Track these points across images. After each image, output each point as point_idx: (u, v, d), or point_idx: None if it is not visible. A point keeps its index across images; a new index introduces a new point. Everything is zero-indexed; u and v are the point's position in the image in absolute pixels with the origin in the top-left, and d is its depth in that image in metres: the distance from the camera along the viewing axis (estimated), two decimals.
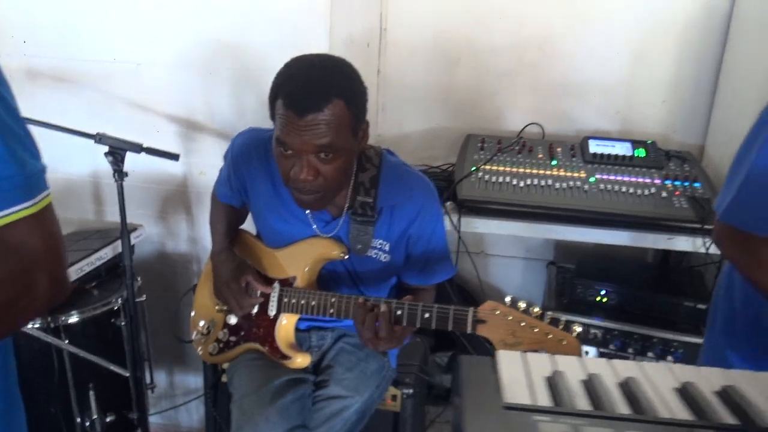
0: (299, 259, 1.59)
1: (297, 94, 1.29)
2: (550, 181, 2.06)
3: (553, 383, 0.64)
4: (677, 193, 2.00)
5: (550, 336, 1.25)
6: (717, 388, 0.67)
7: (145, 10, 2.03)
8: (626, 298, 2.06)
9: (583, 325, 2.02)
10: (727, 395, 0.65)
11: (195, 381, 2.48)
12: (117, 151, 1.76)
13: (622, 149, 2.18)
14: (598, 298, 2.08)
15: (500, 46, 2.38)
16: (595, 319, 2.03)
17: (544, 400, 0.61)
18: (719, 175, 2.10)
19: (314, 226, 1.57)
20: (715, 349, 1.32)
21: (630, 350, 1.98)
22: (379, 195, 1.51)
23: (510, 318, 1.29)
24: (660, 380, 0.68)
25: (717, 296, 1.43)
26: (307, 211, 1.54)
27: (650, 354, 1.97)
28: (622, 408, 0.60)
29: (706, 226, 1.84)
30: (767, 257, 1.12)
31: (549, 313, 1.28)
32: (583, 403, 0.60)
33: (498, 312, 1.30)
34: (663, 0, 2.26)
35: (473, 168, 2.10)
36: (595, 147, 2.19)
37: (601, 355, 2.00)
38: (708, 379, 0.69)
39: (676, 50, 2.30)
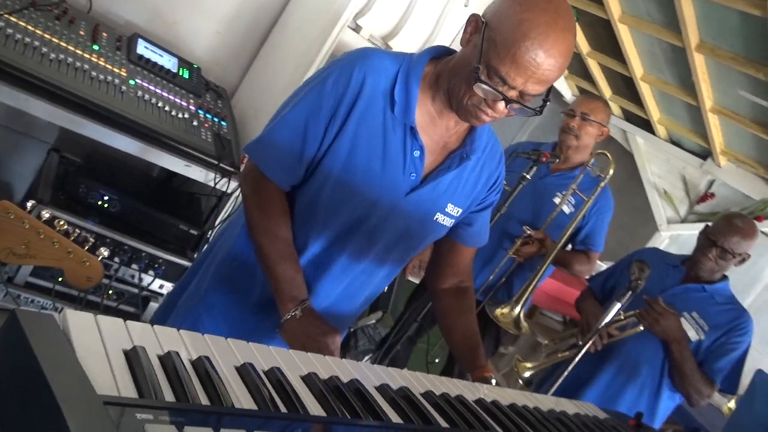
0: None
1: None
2: (86, 66, 1.85)
3: (134, 361, 0.63)
4: (207, 125, 2.09)
5: (72, 255, 1.16)
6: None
7: None
8: (127, 208, 2.04)
9: (76, 226, 1.92)
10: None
11: None
12: None
13: (169, 63, 2.14)
14: (100, 202, 2.00)
15: None
16: (89, 222, 1.95)
17: (126, 385, 0.58)
18: (242, 116, 2.29)
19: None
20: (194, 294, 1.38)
21: (116, 259, 1.99)
22: None
23: (27, 225, 1.13)
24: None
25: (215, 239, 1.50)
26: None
27: (134, 266, 2.01)
28: (202, 396, 0.63)
29: (222, 164, 1.99)
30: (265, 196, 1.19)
31: (76, 228, 1.18)
32: (167, 391, 0.61)
33: (12, 215, 1.12)
34: None
35: None
36: (143, 49, 2.08)
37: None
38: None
39: None
